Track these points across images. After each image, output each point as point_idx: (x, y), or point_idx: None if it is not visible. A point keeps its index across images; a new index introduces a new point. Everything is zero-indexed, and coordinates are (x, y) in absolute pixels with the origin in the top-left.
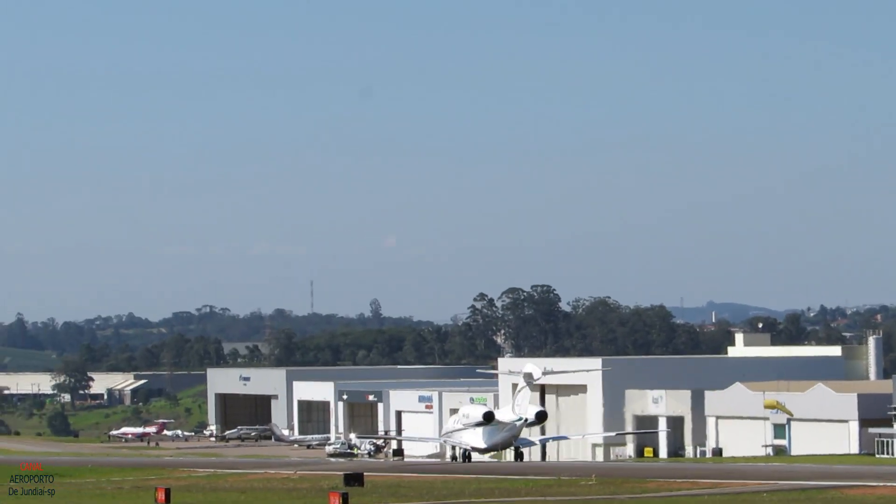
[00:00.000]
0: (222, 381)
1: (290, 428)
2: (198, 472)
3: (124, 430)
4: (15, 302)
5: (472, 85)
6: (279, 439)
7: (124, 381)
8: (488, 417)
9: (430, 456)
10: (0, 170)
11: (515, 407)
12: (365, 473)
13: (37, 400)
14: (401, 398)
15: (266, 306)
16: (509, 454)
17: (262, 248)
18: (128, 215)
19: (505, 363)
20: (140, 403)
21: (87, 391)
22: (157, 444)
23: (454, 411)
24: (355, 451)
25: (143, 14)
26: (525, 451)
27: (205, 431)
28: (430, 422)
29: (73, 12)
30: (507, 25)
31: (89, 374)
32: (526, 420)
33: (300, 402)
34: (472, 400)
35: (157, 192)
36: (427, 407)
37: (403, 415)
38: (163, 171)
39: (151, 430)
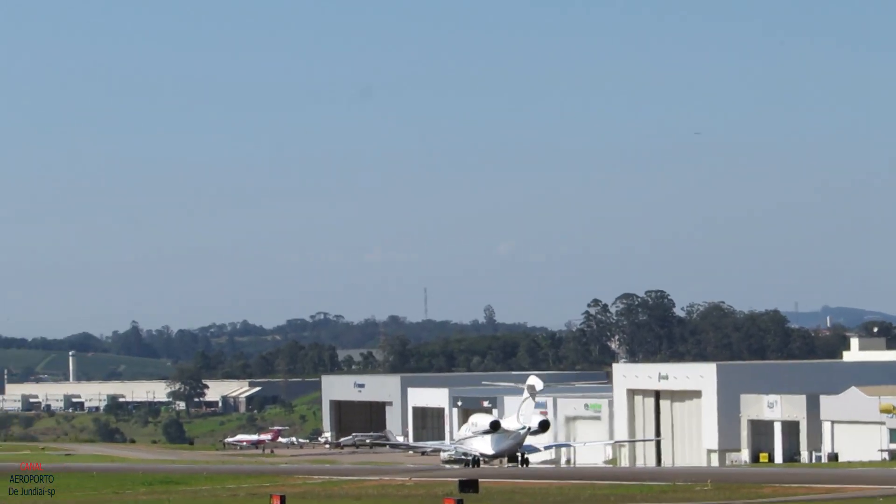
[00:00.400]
0: (337, 387)
1: (405, 434)
2: (313, 479)
3: (239, 437)
4: (130, 310)
5: (581, 90)
6: (394, 446)
7: (239, 389)
8: (495, 426)
9: (544, 462)
10: (114, 178)
11: (520, 416)
12: (480, 479)
13: (152, 408)
14: (515, 404)
15: (380, 313)
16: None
17: (376, 255)
18: (243, 223)
19: (619, 369)
20: (255, 411)
21: (201, 399)
22: (271, 451)
23: (569, 418)
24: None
25: (265, 23)
26: (530, 457)
27: (319, 438)
28: None
29: (198, 23)
30: (625, 29)
31: (204, 381)
32: (529, 429)
33: (415, 409)
34: (586, 406)
35: (272, 200)
36: (542, 413)
37: None
38: (277, 179)
39: (266, 437)
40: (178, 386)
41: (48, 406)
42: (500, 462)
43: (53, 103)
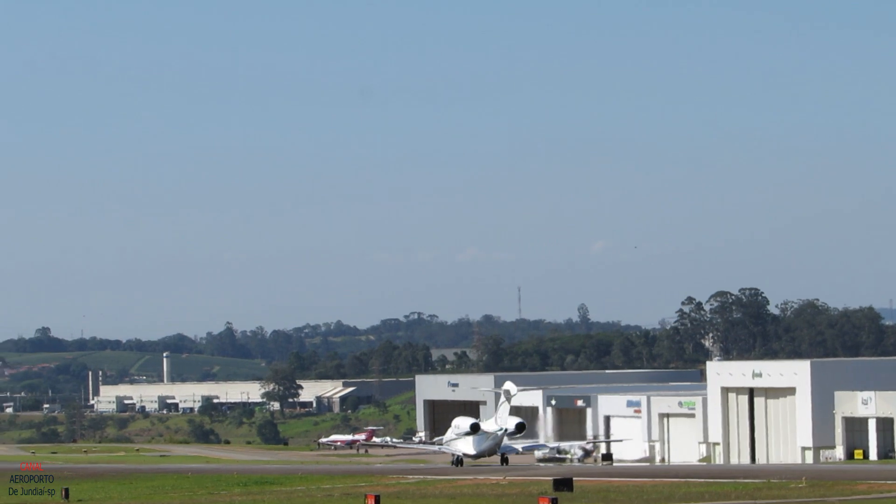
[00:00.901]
0: (431, 387)
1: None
2: (407, 478)
3: (333, 437)
4: (224, 311)
5: (677, 88)
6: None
7: (333, 389)
8: (474, 428)
9: (639, 460)
10: (210, 181)
11: (497, 419)
12: (574, 478)
13: (246, 409)
14: (609, 403)
15: (474, 312)
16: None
17: (469, 255)
18: (336, 223)
19: (713, 367)
20: (349, 411)
21: (296, 399)
22: (366, 451)
23: (663, 416)
24: (565, 455)
25: (370, 26)
26: (509, 456)
27: (413, 438)
28: (638, 426)
29: (300, 23)
30: (728, 27)
31: (298, 382)
32: (507, 430)
33: (509, 408)
34: (680, 404)
35: (366, 201)
36: (636, 412)
37: (612, 420)
38: (370, 179)
39: (360, 437)
40: (272, 386)
41: (142, 407)
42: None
43: (150, 105)
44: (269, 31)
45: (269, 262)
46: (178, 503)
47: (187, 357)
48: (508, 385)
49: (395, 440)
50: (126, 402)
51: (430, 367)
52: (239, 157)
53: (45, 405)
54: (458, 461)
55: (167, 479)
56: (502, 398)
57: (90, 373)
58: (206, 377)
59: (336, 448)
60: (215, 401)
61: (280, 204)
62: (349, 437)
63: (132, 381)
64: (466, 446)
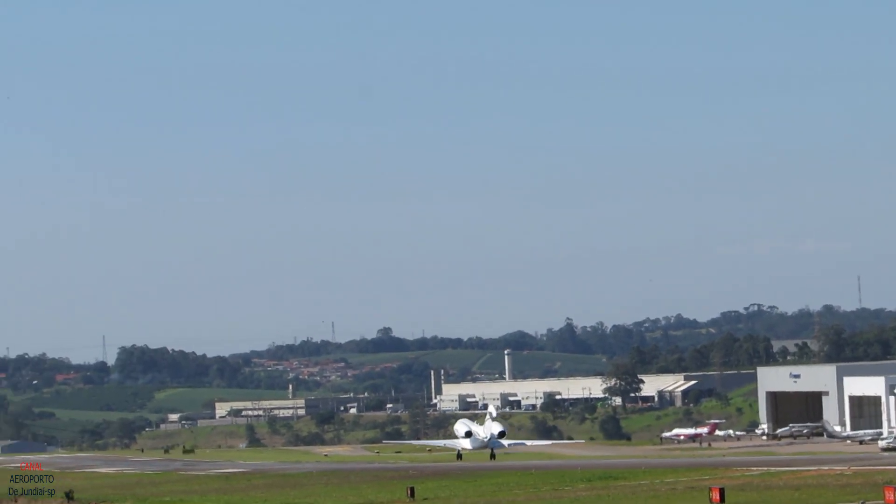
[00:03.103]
0: (772, 379)
1: (842, 424)
2: (751, 470)
3: (676, 431)
4: (564, 307)
5: None
6: (831, 436)
7: (674, 383)
8: (468, 434)
9: None
10: (559, 181)
11: (484, 428)
12: None
13: (588, 404)
14: None
15: (814, 303)
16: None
17: (808, 246)
18: (676, 217)
19: None
20: (691, 404)
21: (637, 394)
22: (709, 444)
23: None
24: None
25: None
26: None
27: (756, 430)
28: None
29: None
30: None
31: (639, 376)
32: (493, 435)
33: (851, 398)
34: None
35: (709, 194)
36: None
37: None
38: (707, 172)
39: (703, 430)
40: (613, 382)
41: (485, 405)
42: None
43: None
44: None
45: (609, 257)
46: (522, 499)
47: (528, 354)
48: (491, 408)
49: (737, 433)
50: (468, 399)
51: (770, 358)
52: (597, 153)
53: (388, 405)
54: (459, 456)
55: (511, 476)
56: (487, 416)
57: (432, 372)
58: (547, 374)
59: (679, 442)
60: (557, 397)
61: (622, 200)
62: (692, 431)
63: (474, 380)
64: (466, 444)
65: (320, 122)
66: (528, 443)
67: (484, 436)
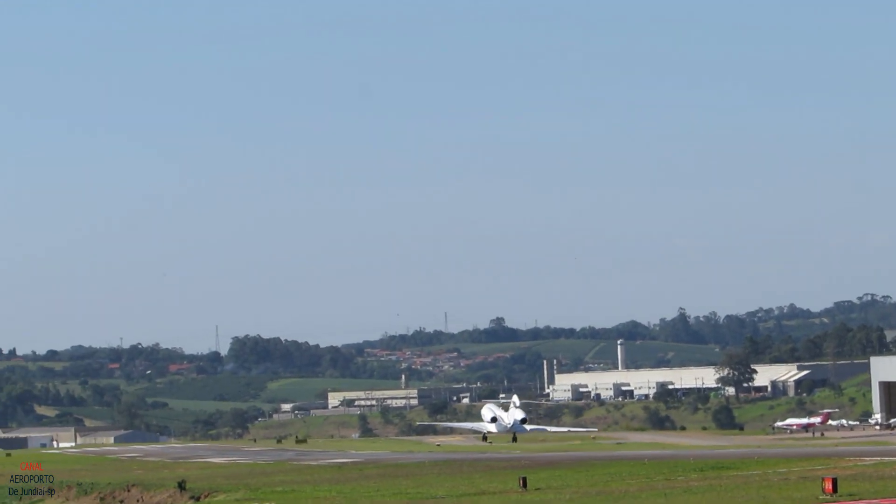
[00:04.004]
0: (886, 368)
1: None
2: (864, 460)
3: (789, 421)
4: (677, 297)
5: None
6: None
7: (787, 373)
8: (493, 419)
9: None
10: (671, 166)
11: (508, 414)
12: None
13: (701, 394)
14: None
15: None
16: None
17: None
18: (790, 207)
19: None
20: (804, 394)
21: (750, 384)
22: (822, 434)
23: None
24: None
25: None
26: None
27: (869, 420)
28: None
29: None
30: None
31: (752, 366)
32: (516, 421)
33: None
34: None
35: (823, 181)
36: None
37: None
38: (835, 161)
39: (816, 420)
40: (726, 371)
41: (597, 395)
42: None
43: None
44: None
45: (723, 246)
46: (635, 489)
47: (641, 343)
48: (515, 399)
49: (850, 422)
50: (581, 389)
51: (884, 348)
52: (710, 140)
53: (501, 395)
54: (484, 437)
55: (623, 466)
56: (511, 406)
57: (545, 361)
58: (659, 363)
59: (791, 432)
60: (670, 387)
61: (736, 189)
62: (805, 421)
63: (587, 369)
64: (492, 428)
65: (448, 114)
66: (550, 429)
67: (508, 422)
